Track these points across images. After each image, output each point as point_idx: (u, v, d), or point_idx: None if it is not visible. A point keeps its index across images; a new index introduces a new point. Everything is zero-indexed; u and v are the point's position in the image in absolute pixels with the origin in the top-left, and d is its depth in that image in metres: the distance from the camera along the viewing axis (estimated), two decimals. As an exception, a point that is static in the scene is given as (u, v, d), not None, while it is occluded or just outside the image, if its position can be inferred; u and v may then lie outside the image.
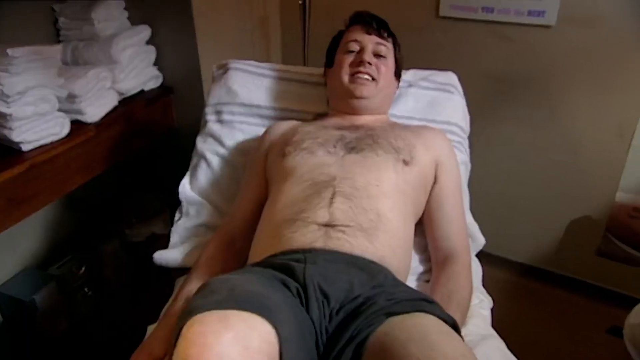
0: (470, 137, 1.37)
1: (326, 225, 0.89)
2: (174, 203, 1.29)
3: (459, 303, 0.94)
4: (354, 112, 1.16)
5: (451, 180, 1.10)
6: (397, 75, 1.24)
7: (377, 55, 1.15)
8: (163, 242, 1.24)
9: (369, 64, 1.12)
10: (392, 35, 1.21)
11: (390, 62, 1.18)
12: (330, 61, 1.23)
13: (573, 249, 1.89)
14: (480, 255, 1.23)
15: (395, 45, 1.22)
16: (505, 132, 1.84)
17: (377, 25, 1.17)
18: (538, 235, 1.94)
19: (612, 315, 1.78)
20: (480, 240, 1.21)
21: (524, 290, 1.97)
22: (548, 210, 1.87)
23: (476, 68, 1.78)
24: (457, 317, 0.83)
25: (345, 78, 1.13)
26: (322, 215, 0.89)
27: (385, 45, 1.17)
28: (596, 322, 1.78)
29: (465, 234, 1.10)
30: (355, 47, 1.16)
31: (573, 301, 1.89)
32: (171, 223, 1.26)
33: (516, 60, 1.72)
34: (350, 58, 1.15)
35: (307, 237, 0.88)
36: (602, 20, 1.55)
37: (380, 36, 1.17)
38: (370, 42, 1.15)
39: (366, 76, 1.12)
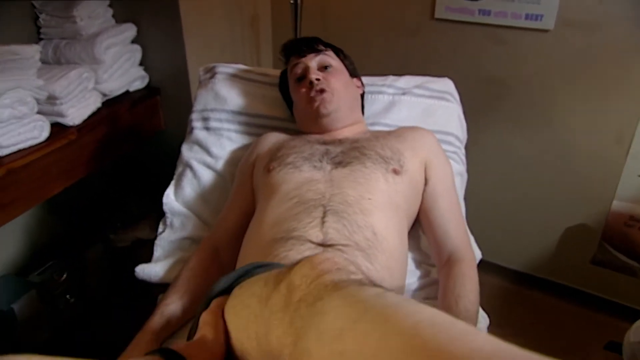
0: (466, 144, 1.33)
1: (321, 244, 0.84)
2: (161, 207, 1.23)
3: (466, 309, 0.90)
4: (329, 129, 1.13)
5: (443, 177, 1.07)
6: (355, 76, 1.23)
7: (323, 68, 1.14)
8: (148, 247, 1.19)
9: (317, 80, 1.10)
10: (328, 45, 1.21)
11: (338, 67, 1.17)
12: (289, 102, 1.23)
13: (568, 257, 1.86)
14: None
15: (337, 52, 1.21)
16: (501, 138, 1.80)
17: (307, 44, 1.17)
18: (534, 242, 1.91)
19: (606, 325, 1.77)
20: (476, 254, 1.17)
21: (519, 297, 1.95)
22: (544, 217, 1.84)
23: (472, 72, 1.74)
24: None
25: (306, 105, 1.12)
26: (316, 235, 0.85)
27: (325, 55, 1.16)
28: (591, 331, 1.76)
29: (465, 230, 1.07)
30: (299, 70, 1.15)
31: (568, 309, 1.87)
32: (157, 228, 1.21)
33: (513, 65, 1.68)
34: (302, 86, 1.13)
35: (305, 254, 0.81)
36: (601, 24, 1.51)
37: (316, 51, 1.16)
38: (309, 60, 1.14)
39: (321, 94, 1.09)
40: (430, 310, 0.47)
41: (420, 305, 0.48)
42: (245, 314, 0.67)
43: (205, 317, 0.72)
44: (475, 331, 0.43)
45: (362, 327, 0.45)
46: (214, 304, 0.74)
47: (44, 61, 1.52)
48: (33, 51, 1.29)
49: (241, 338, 0.68)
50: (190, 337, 0.82)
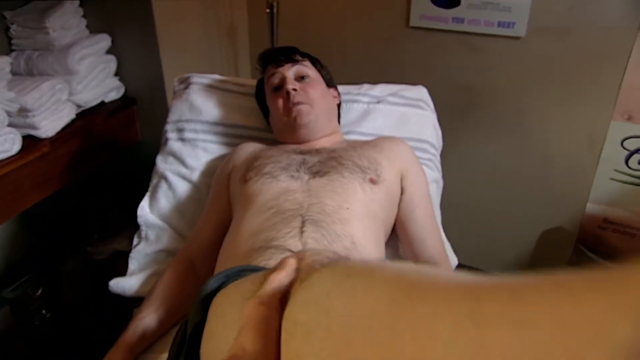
0: (441, 151, 1.35)
1: None
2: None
3: None
4: (307, 139, 1.13)
5: (418, 187, 1.08)
6: (332, 87, 1.23)
7: (300, 78, 1.14)
8: (127, 259, 1.18)
9: (294, 90, 1.10)
10: (306, 55, 1.20)
11: (315, 77, 1.16)
12: (266, 111, 1.22)
13: (545, 260, 1.89)
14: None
15: (314, 62, 1.21)
16: (476, 144, 1.82)
17: (284, 54, 1.16)
18: (511, 246, 1.93)
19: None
20: (452, 260, 1.18)
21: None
22: (520, 221, 1.87)
23: (446, 79, 1.77)
24: None
25: (283, 116, 1.11)
26: (295, 245, 0.84)
27: (302, 65, 1.16)
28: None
29: (441, 238, 1.08)
30: (276, 80, 1.14)
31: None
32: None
33: (486, 72, 1.71)
34: (279, 96, 1.12)
35: None
36: (571, 31, 1.55)
37: (292, 61, 1.15)
38: (286, 70, 1.14)
39: (299, 106, 1.09)
40: (414, 264, 0.48)
41: (404, 263, 0.48)
42: (231, 312, 0.65)
43: (249, 312, 0.47)
44: (460, 273, 0.42)
45: (349, 284, 0.44)
46: (266, 292, 0.50)
47: (15, 73, 1.50)
48: (3, 63, 1.28)
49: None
50: (172, 350, 0.79)
